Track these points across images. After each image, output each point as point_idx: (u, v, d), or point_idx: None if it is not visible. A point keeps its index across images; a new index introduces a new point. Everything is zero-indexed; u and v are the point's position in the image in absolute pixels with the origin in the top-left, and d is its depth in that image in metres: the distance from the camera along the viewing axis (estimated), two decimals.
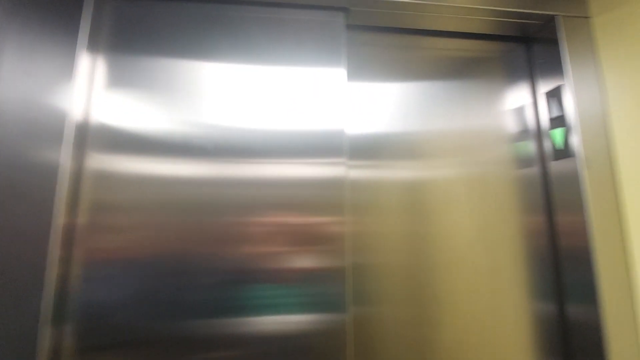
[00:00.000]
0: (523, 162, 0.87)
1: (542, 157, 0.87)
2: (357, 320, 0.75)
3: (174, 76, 0.74)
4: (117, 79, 0.73)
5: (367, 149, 0.83)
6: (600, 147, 0.76)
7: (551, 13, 0.85)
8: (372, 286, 0.77)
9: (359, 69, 0.87)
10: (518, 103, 0.91)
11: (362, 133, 0.84)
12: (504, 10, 0.85)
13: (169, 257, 0.66)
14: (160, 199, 0.68)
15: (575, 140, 0.77)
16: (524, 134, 0.89)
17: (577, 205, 0.75)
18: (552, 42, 0.86)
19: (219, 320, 0.65)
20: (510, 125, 0.90)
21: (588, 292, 0.72)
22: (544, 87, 0.87)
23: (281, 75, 0.77)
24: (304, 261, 0.69)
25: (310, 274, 0.68)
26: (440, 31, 0.94)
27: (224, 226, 0.69)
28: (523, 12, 0.86)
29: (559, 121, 0.81)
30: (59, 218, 0.64)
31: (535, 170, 0.87)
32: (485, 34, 0.96)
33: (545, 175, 0.85)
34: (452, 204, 0.83)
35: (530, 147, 0.88)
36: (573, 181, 0.77)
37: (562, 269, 0.80)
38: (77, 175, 0.68)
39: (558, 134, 0.81)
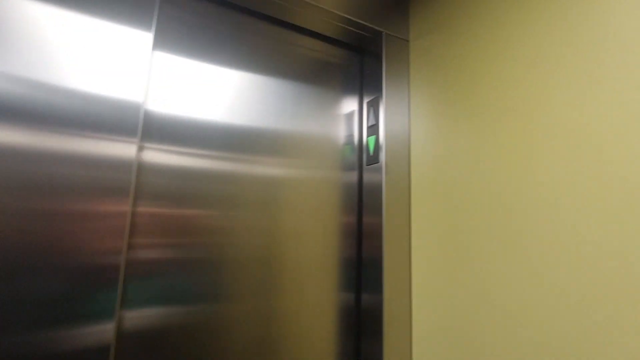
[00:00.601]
0: (347, 165, 0.92)
1: (360, 162, 0.93)
2: (133, 325, 0.64)
3: None
4: None
5: (176, 133, 0.73)
6: (399, 157, 0.86)
7: (379, 29, 0.92)
8: (155, 286, 0.68)
9: (177, 40, 0.76)
10: (348, 109, 0.96)
11: (173, 114, 0.74)
12: (341, 16, 0.88)
13: None
14: None
15: (381, 148, 0.85)
16: (349, 138, 0.94)
17: (377, 208, 0.83)
18: (377, 56, 0.93)
19: None
20: (340, 129, 0.94)
21: (376, 283, 0.80)
22: (367, 97, 0.94)
23: (74, 22, 0.60)
24: (66, 258, 0.55)
25: (74, 274, 0.55)
26: (284, 22, 0.92)
27: None
28: (358, 22, 0.90)
29: (373, 129, 0.88)
30: None
31: (355, 173, 0.93)
32: (329, 38, 0.98)
33: (360, 178, 0.92)
34: (274, 201, 0.81)
35: (353, 151, 0.94)
36: (377, 186, 0.84)
37: (362, 264, 0.87)
38: None
39: (372, 141, 0.88)
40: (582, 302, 0.52)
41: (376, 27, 0.92)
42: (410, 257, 0.83)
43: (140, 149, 0.68)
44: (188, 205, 0.72)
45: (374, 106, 0.90)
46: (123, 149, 0.61)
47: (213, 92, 0.78)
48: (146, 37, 0.66)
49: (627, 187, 0.49)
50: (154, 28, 0.67)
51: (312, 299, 0.83)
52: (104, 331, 0.55)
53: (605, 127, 0.53)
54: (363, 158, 0.93)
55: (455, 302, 0.71)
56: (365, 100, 0.95)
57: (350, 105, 0.97)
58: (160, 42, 0.74)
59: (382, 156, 0.83)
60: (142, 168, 0.68)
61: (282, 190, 0.83)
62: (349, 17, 0.89)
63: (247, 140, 0.81)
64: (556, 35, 0.61)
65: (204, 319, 0.70)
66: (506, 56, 0.68)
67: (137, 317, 0.64)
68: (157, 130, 0.71)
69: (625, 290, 0.48)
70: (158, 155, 0.71)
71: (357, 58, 1.02)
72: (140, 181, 0.68)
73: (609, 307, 0.49)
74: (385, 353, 0.74)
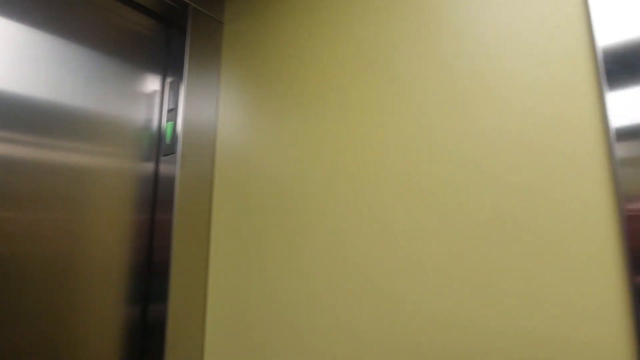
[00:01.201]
0: (144, 154, 0.78)
1: (158, 151, 0.80)
2: None
3: None
4: None
5: None
6: (201, 148, 0.78)
7: (185, 1, 0.81)
8: None
9: None
10: (150, 89, 0.81)
11: None
12: None
13: None
14: None
15: (178, 137, 0.74)
16: (149, 123, 0.80)
17: (169, 205, 0.72)
18: (183, 33, 0.82)
19: None
20: (140, 112, 0.78)
21: (162, 292, 0.69)
22: (170, 76, 0.82)
23: None
24: None
25: None
26: None
27: None
28: None
29: (173, 115, 0.77)
30: None
31: (151, 164, 0.79)
32: (131, 1, 0.80)
33: (157, 170, 0.79)
34: (51, 194, 0.60)
35: (151, 139, 0.80)
36: (171, 179, 0.73)
37: (151, 270, 0.75)
38: None
39: (169, 127, 0.76)
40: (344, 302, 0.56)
41: None
42: (208, 259, 0.75)
43: None
44: None
45: (174, 88, 0.78)
46: None
47: None
48: None
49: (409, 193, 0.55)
50: None
51: (96, 314, 0.65)
52: None
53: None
54: (161, 147, 0.80)
55: (253, 306, 0.67)
56: (168, 81, 0.82)
57: (152, 84, 0.82)
58: None
59: (179, 146, 0.73)
60: None
61: (65, 182, 0.62)
62: None
63: (11, 112, 0.56)
64: (365, 37, 0.64)
65: None
66: (319, 51, 0.68)
67: None
68: None
69: (364, 290, 0.53)
70: None
71: (163, 31, 0.87)
72: None
73: (363, 306, 0.54)
74: None
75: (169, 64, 0.84)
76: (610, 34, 0.39)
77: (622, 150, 0.37)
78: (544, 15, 0.44)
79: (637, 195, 0.36)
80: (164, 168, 0.77)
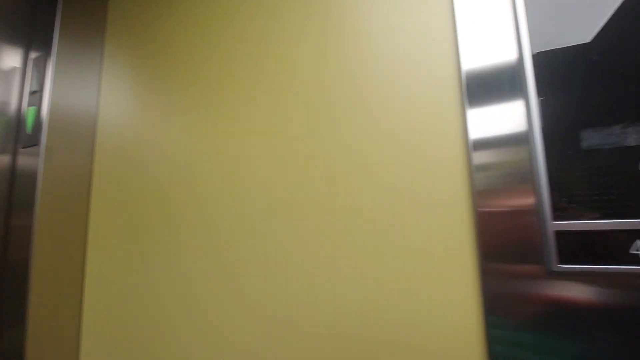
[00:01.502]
0: None
1: (16, 142, 0.66)
2: None
3: None
4: None
5: None
6: (75, 138, 0.66)
7: None
8: None
9: None
10: (7, 66, 0.66)
11: None
12: None
13: None
14: None
15: (42, 125, 0.62)
16: (4, 107, 0.65)
17: (29, 206, 0.60)
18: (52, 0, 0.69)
19: None
20: None
21: (18, 316, 0.57)
22: (34, 51, 0.68)
23: None
24: None
25: None
26: None
27: None
28: None
29: (36, 98, 0.64)
30: None
31: (7, 158, 0.64)
32: None
33: (13, 165, 0.65)
34: None
35: (8, 126, 0.65)
36: (32, 176, 0.61)
37: (3, 287, 0.61)
38: None
39: (31, 113, 0.63)
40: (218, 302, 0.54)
41: None
42: (84, 269, 0.65)
43: None
44: None
45: (39, 66, 0.65)
46: None
47: None
48: None
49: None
50: None
51: None
52: None
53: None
54: (19, 137, 0.66)
55: (138, 319, 0.60)
56: (31, 57, 0.68)
57: (11, 60, 0.67)
58: None
59: (43, 136, 0.61)
60: None
61: None
62: None
63: None
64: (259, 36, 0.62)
65: None
66: (215, 35, 0.64)
67: None
68: None
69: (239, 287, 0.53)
70: None
71: None
72: None
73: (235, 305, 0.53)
74: None
75: (33, 37, 0.69)
76: (472, 59, 0.47)
77: (477, 158, 0.45)
78: (421, 46, 0.50)
79: (487, 196, 0.43)
80: (23, 162, 0.63)
